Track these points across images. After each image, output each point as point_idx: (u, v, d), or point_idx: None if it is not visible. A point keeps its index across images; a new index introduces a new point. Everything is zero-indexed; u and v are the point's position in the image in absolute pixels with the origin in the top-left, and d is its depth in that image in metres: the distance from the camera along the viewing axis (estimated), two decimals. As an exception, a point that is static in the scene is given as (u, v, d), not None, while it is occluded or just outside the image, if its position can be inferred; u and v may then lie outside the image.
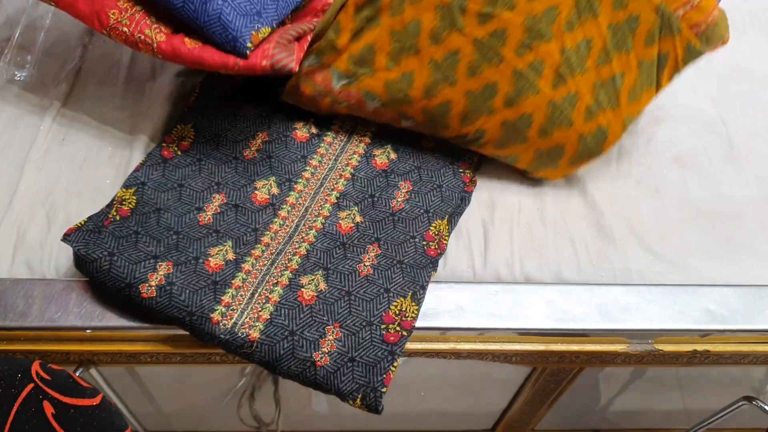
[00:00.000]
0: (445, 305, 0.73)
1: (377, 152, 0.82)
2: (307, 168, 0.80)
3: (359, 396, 0.66)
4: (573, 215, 0.82)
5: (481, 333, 0.73)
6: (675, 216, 0.83)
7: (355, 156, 0.82)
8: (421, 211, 0.78)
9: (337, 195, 0.78)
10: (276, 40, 0.72)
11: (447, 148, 0.83)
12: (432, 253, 0.75)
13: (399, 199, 0.79)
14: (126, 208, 0.73)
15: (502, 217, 0.81)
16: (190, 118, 0.81)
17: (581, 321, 0.73)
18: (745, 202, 0.85)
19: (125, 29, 0.71)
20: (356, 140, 0.83)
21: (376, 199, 0.78)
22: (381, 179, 0.80)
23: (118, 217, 0.72)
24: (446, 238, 0.77)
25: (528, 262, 0.77)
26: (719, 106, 0.94)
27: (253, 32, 0.71)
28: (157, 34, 0.71)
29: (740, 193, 0.85)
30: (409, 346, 0.72)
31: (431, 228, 0.77)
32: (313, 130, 0.83)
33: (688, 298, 0.76)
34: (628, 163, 0.87)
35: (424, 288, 0.72)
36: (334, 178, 0.79)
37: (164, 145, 0.79)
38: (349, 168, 0.81)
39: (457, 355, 0.74)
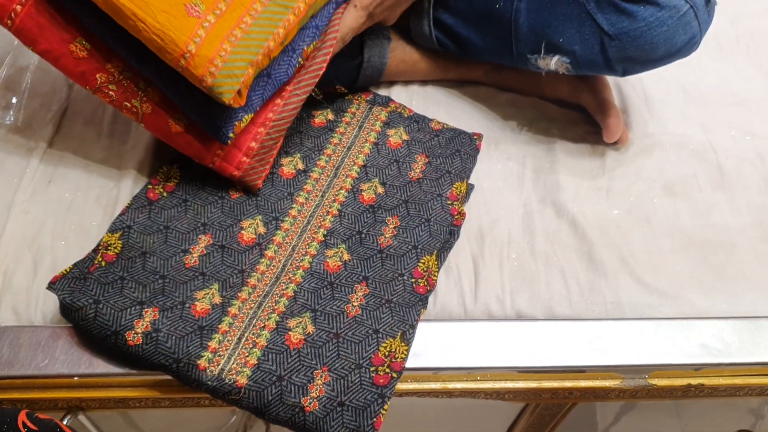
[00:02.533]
0: (436, 344, 0.72)
1: (364, 187, 0.82)
2: (294, 205, 0.79)
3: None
4: (563, 247, 0.81)
5: (473, 372, 0.73)
6: (666, 246, 0.82)
7: (342, 191, 0.81)
8: (410, 247, 0.77)
9: (324, 233, 0.77)
10: (257, 150, 0.76)
11: (434, 177, 0.83)
12: (421, 290, 0.74)
13: (387, 236, 0.78)
14: (111, 253, 0.72)
15: (492, 251, 0.80)
16: (176, 158, 0.81)
17: (574, 357, 0.73)
18: (736, 230, 0.84)
19: (112, 93, 0.72)
20: (343, 175, 0.83)
21: (363, 235, 0.78)
22: (368, 215, 0.80)
23: (103, 263, 0.71)
24: (435, 274, 0.76)
25: (519, 297, 0.77)
26: (709, 133, 0.94)
27: (236, 123, 0.73)
28: (144, 105, 0.72)
29: (732, 221, 0.85)
30: (400, 386, 0.71)
31: (420, 264, 0.76)
32: (300, 166, 0.83)
33: (682, 332, 0.75)
34: (619, 192, 0.87)
35: (413, 327, 0.72)
36: (321, 215, 0.79)
37: (150, 186, 0.79)
38: (336, 204, 0.80)
39: (448, 394, 0.73)
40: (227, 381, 0.66)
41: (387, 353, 0.69)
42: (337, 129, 0.87)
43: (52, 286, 0.69)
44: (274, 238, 0.76)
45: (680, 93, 0.99)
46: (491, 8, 0.83)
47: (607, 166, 0.89)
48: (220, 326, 0.69)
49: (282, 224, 0.77)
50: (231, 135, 0.72)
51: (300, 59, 0.77)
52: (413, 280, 0.75)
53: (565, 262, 0.80)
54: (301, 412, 0.65)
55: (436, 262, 0.77)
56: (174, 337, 0.67)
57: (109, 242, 0.73)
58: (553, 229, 0.83)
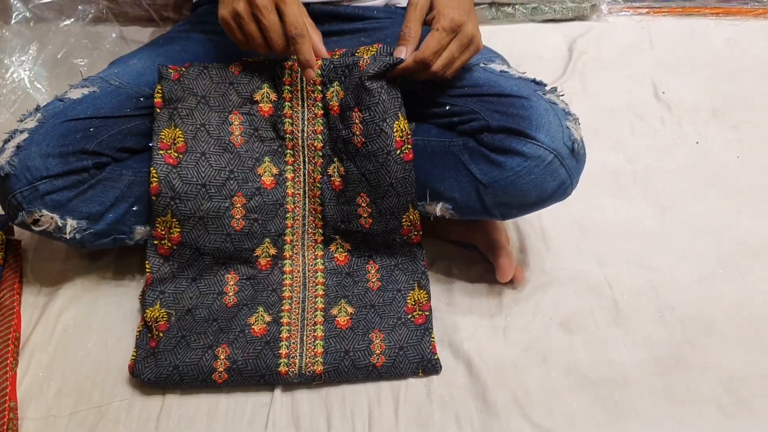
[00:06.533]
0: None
1: (330, 171, 0.88)
2: (287, 215, 0.89)
3: (420, 370, 0.82)
4: (459, 388, 0.82)
5: None
6: (561, 384, 0.83)
7: (316, 183, 0.88)
8: (387, 214, 0.86)
9: (321, 232, 0.90)
10: None
11: (376, 133, 0.82)
12: (414, 240, 0.87)
13: (364, 216, 0.87)
14: (162, 323, 0.82)
15: (388, 396, 0.81)
16: (161, 211, 0.84)
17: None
18: (631, 366, 0.85)
19: None
20: (311, 164, 0.88)
21: (348, 223, 0.88)
22: (342, 201, 0.87)
23: (161, 335, 0.81)
24: (419, 222, 0.86)
25: (412, 443, 0.76)
26: (605, 267, 0.97)
27: None
28: None
29: (627, 356, 0.86)
30: None
31: (403, 223, 0.86)
32: (274, 171, 0.88)
33: (573, 475, 0.74)
34: (516, 330, 0.88)
35: (424, 273, 0.88)
36: (311, 215, 0.89)
37: (156, 242, 0.84)
38: (316, 200, 0.89)
39: None
40: (308, 374, 0.79)
41: (413, 302, 0.86)
42: (284, 112, 0.87)
43: (133, 372, 0.79)
44: (284, 254, 0.88)
45: (577, 229, 1.03)
46: None
47: (504, 304, 0.91)
48: (281, 336, 0.82)
49: (285, 237, 0.88)
50: None
51: None
52: (404, 237, 0.87)
53: (460, 404, 0.80)
54: (374, 368, 0.81)
55: (415, 212, 0.86)
56: (251, 360, 0.79)
57: (155, 316, 0.82)
58: (449, 370, 0.84)
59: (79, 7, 1.19)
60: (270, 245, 0.87)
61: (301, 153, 0.88)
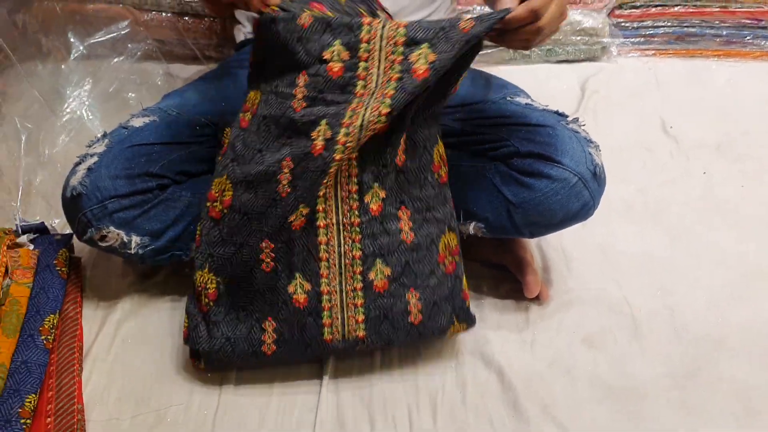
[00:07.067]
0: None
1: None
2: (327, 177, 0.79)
3: (455, 322, 0.86)
4: (491, 397, 0.88)
5: None
6: (585, 395, 0.89)
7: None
8: (420, 149, 0.84)
9: (356, 180, 0.81)
10: None
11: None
12: (443, 180, 0.86)
13: (399, 154, 0.82)
14: (212, 290, 0.84)
15: (426, 402, 0.87)
16: (221, 170, 0.84)
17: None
18: (650, 379, 0.91)
19: None
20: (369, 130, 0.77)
21: (383, 164, 0.81)
22: (381, 141, 0.80)
23: (211, 303, 0.84)
24: (444, 168, 0.86)
25: (450, 446, 0.82)
26: (623, 289, 1.04)
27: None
28: None
29: (645, 370, 0.92)
30: None
31: (434, 158, 0.85)
32: (327, 134, 0.78)
33: (601, 476, 0.80)
34: (542, 345, 0.95)
35: (452, 215, 0.87)
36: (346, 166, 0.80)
37: (209, 205, 0.84)
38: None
39: None
40: (351, 340, 0.83)
41: (444, 248, 0.85)
42: (357, 73, 0.79)
43: (187, 340, 0.85)
44: (317, 207, 0.80)
45: (597, 253, 1.10)
46: None
47: (530, 320, 0.98)
48: (322, 305, 0.82)
49: (318, 202, 0.80)
50: None
51: None
52: (436, 175, 0.85)
53: (493, 411, 0.86)
54: (413, 327, 0.84)
55: (441, 145, 0.86)
56: (296, 331, 0.82)
57: (204, 280, 0.84)
58: (482, 379, 0.90)
59: (129, 45, 1.28)
60: (303, 208, 0.80)
61: (361, 116, 0.76)
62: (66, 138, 1.16)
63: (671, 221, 1.18)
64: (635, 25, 1.58)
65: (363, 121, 0.76)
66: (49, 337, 0.87)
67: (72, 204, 0.88)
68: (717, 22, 1.59)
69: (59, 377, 0.85)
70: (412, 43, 0.76)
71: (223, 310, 0.84)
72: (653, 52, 1.59)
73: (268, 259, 0.82)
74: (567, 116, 0.94)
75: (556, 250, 1.09)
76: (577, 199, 0.87)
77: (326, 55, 0.78)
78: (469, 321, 0.88)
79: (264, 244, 0.82)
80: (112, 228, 0.88)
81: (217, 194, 0.83)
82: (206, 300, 0.84)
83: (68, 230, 0.99)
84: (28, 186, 1.09)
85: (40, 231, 1.01)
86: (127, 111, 1.14)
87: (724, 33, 1.59)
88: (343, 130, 0.77)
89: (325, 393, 0.87)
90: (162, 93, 1.09)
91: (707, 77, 1.53)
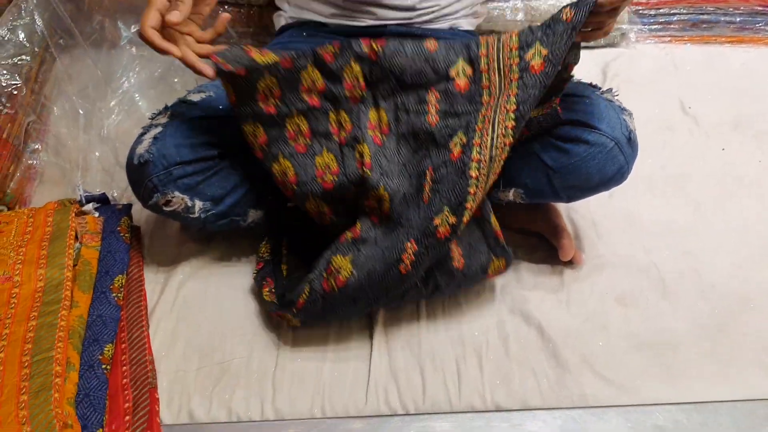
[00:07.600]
0: (427, 432, 0.83)
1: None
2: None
3: (493, 259, 0.94)
4: (533, 349, 0.94)
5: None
6: (621, 347, 0.95)
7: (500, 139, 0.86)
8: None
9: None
10: None
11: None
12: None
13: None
14: (342, 277, 0.88)
15: (472, 353, 0.93)
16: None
17: (547, 441, 0.83)
18: (681, 333, 0.97)
19: None
20: (501, 126, 0.85)
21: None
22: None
23: (336, 290, 0.88)
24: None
25: (497, 391, 0.88)
26: (651, 254, 1.10)
27: None
28: None
29: (676, 325, 0.99)
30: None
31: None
32: (463, 140, 0.87)
33: (639, 417, 0.86)
34: (577, 304, 1.01)
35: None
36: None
37: (368, 211, 0.91)
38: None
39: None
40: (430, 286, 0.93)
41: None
42: (482, 84, 0.88)
43: (299, 312, 0.91)
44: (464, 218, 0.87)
45: (625, 223, 1.16)
46: None
47: (565, 282, 1.04)
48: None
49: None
50: None
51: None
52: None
53: (535, 361, 0.92)
54: (459, 271, 0.93)
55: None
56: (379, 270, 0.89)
57: (339, 265, 0.88)
58: (523, 334, 0.96)
59: (173, 33, 1.34)
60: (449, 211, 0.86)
61: (491, 118, 0.85)
62: (117, 118, 1.22)
63: (693, 194, 1.23)
64: (653, 12, 1.64)
65: (495, 119, 0.85)
66: (119, 294, 0.93)
67: (138, 171, 0.94)
68: (731, 9, 1.64)
69: (130, 331, 0.91)
70: (525, 45, 0.85)
71: (344, 299, 0.89)
72: (669, 38, 1.64)
73: (408, 261, 0.88)
74: (599, 87, 1.00)
75: (586, 220, 1.15)
76: (613, 163, 0.92)
77: (452, 73, 0.88)
78: (507, 257, 0.95)
79: (409, 244, 0.87)
80: (177, 193, 0.94)
81: (375, 205, 0.90)
82: (333, 283, 0.88)
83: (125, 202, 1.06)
84: (86, 160, 1.15)
85: (101, 201, 1.07)
86: (173, 95, 1.21)
87: (738, 20, 1.65)
88: (477, 134, 0.86)
89: (377, 345, 0.93)
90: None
91: (722, 62, 1.58)
